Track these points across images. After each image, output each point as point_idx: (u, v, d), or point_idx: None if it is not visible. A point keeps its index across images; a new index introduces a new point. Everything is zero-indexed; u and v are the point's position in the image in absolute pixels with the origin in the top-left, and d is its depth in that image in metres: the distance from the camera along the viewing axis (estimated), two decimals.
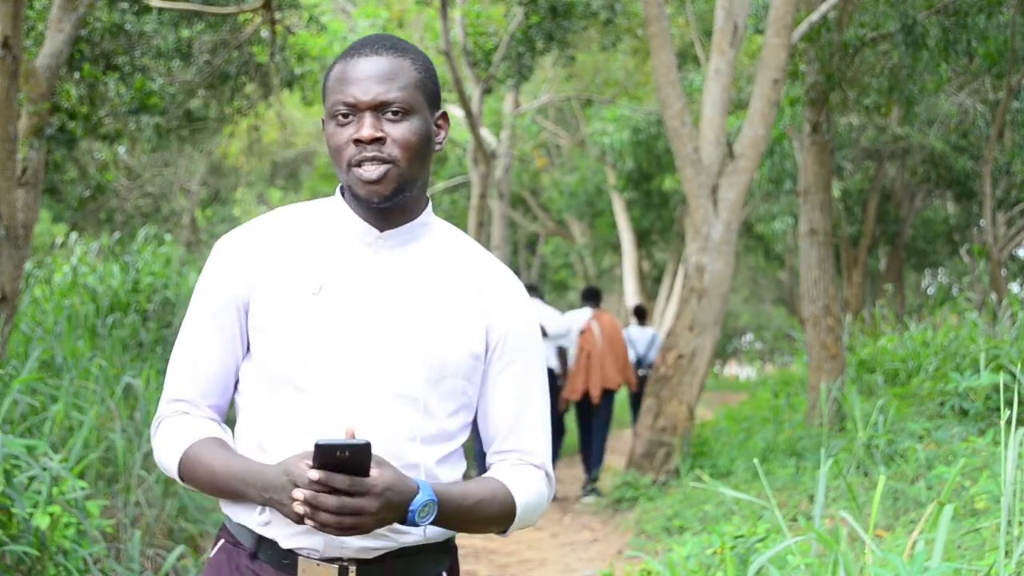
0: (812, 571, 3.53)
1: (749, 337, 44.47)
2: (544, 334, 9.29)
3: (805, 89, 9.46)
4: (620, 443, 13.53)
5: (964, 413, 6.89)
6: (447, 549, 1.89)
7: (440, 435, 1.83)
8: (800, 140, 10.13)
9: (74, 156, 10.71)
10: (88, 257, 10.12)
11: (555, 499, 9.69)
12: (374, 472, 1.66)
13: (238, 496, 1.77)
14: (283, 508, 1.69)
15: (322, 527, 1.65)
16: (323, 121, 1.87)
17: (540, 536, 7.85)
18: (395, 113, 1.78)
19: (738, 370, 45.38)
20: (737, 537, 4.12)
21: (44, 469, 4.21)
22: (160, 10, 9.36)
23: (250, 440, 1.83)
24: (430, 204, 1.90)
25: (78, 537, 4.29)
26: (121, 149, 14.07)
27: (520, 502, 1.86)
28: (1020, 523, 2.96)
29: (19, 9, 5.64)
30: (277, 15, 10.15)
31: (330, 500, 1.63)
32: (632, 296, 23.09)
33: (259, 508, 1.79)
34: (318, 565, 1.77)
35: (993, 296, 10.36)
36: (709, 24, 14.42)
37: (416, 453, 1.79)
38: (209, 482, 1.80)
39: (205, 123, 11.89)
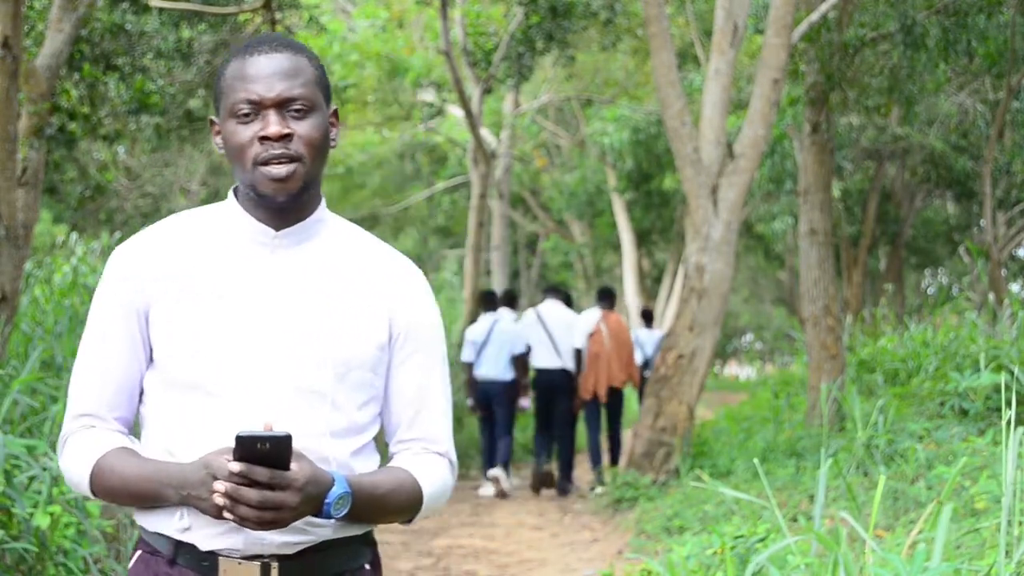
0: (812, 571, 3.53)
1: (749, 337, 44.46)
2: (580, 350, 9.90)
3: (805, 89, 9.46)
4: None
5: (964, 413, 6.89)
6: (368, 542, 1.90)
7: (351, 428, 1.84)
8: (800, 140, 10.13)
9: (74, 156, 10.71)
10: (88, 257, 10.12)
11: (555, 499, 9.72)
12: (294, 466, 1.66)
13: (154, 499, 1.76)
14: (202, 504, 1.68)
15: (241, 521, 1.65)
16: (212, 121, 1.86)
17: (540, 536, 7.86)
18: (298, 110, 1.79)
19: (738, 370, 45.38)
20: (737, 537, 4.12)
21: (44, 469, 4.21)
22: (160, 10, 9.36)
23: (159, 447, 1.81)
24: (323, 200, 1.90)
25: (78, 537, 4.29)
26: (121, 149, 14.07)
27: (426, 491, 1.87)
28: (1020, 523, 2.97)
29: (19, 9, 5.64)
30: (277, 15, 10.15)
31: (251, 493, 1.63)
32: (632, 296, 23.09)
33: (178, 513, 1.77)
34: (239, 563, 1.77)
35: (992, 296, 10.36)
36: (709, 24, 14.41)
37: (328, 447, 1.80)
38: (123, 489, 1.79)
39: (205, 123, 11.89)
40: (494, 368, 9.85)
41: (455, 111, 17.77)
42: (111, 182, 12.55)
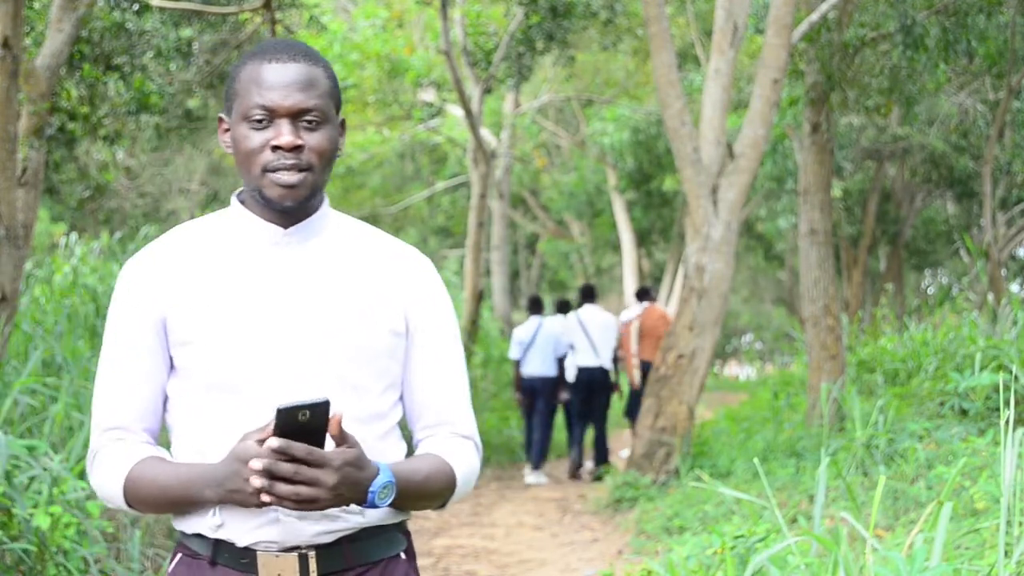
0: (812, 571, 3.53)
1: (749, 337, 44.45)
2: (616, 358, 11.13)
3: (805, 89, 9.46)
4: (620, 443, 13.54)
5: (964, 413, 6.89)
6: (403, 530, 1.93)
7: (376, 415, 1.87)
8: (800, 140, 10.13)
9: (74, 156, 10.71)
10: (89, 257, 10.12)
11: (555, 499, 9.73)
12: (338, 448, 1.68)
13: (194, 503, 1.78)
14: (240, 496, 1.69)
15: (279, 500, 1.65)
16: (220, 119, 1.89)
17: (540, 536, 7.86)
18: (311, 121, 1.82)
19: (738, 370, 45.37)
20: (737, 537, 4.12)
21: (44, 469, 4.22)
22: (161, 9, 9.36)
23: (191, 451, 1.84)
24: (326, 198, 1.94)
25: (78, 537, 4.29)
26: (120, 149, 14.07)
27: (458, 474, 1.90)
28: (1020, 523, 2.97)
29: (19, 9, 5.64)
30: (277, 15, 10.14)
31: (287, 467, 1.64)
32: (632, 296, 23.07)
33: (211, 511, 1.79)
34: (277, 556, 1.79)
35: (992, 296, 10.35)
36: (709, 24, 14.42)
37: (356, 434, 1.82)
38: (160, 497, 1.80)
39: (204, 123, 11.89)
40: (539, 366, 10.94)
41: (455, 111, 17.76)
42: (111, 182, 12.54)
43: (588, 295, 11.24)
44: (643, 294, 11.91)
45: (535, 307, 11.35)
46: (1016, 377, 6.44)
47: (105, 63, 8.55)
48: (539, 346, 10.92)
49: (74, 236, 11.12)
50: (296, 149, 1.79)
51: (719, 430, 10.82)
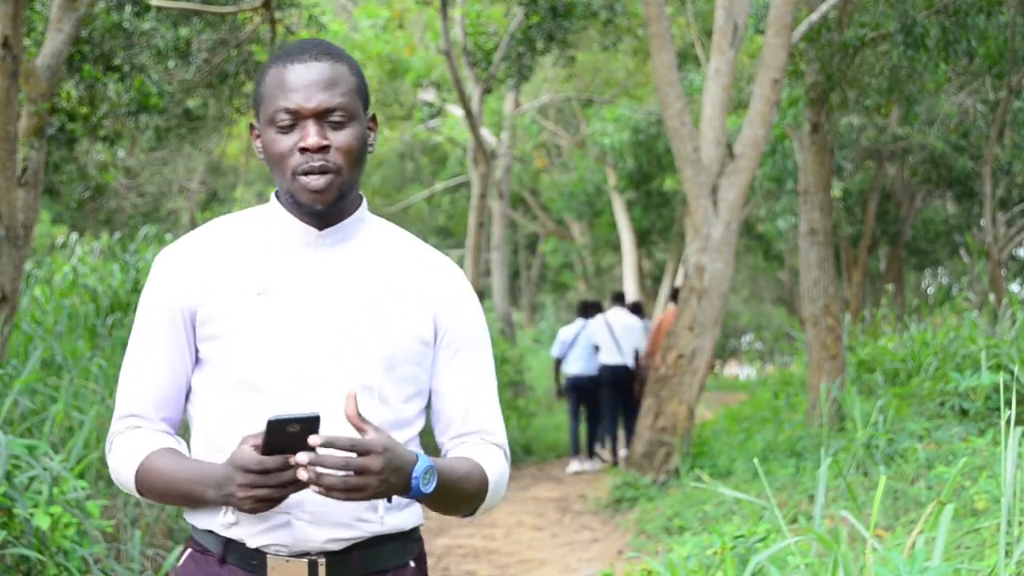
0: (812, 571, 3.53)
1: (749, 337, 44.43)
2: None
3: (805, 89, 9.46)
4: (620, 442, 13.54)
5: (964, 413, 6.89)
6: (414, 538, 1.92)
7: (398, 422, 1.86)
8: (800, 140, 10.13)
9: (74, 156, 10.70)
10: (89, 257, 10.12)
11: (555, 499, 9.73)
12: (371, 434, 1.67)
13: (197, 500, 1.78)
14: (234, 501, 1.68)
15: (328, 490, 1.64)
16: (252, 126, 1.88)
17: (540, 536, 7.86)
18: (337, 121, 1.81)
19: (738, 370, 45.33)
20: (737, 537, 4.12)
21: (45, 469, 4.22)
22: (159, 8, 9.35)
23: (208, 445, 1.84)
24: (364, 201, 1.93)
25: (78, 537, 4.29)
26: (120, 151, 14.06)
27: (491, 479, 1.89)
28: (1020, 523, 2.97)
29: (19, 9, 5.64)
30: (277, 14, 10.14)
31: (336, 459, 1.63)
32: (632, 296, 23.07)
33: (223, 510, 1.80)
34: (287, 561, 1.79)
35: (992, 296, 10.35)
36: (709, 24, 14.41)
37: None
38: (166, 490, 1.81)
39: (204, 122, 11.88)
40: (581, 365, 11.61)
41: (455, 111, 17.76)
42: (111, 182, 12.52)
43: (617, 300, 11.98)
44: (673, 296, 12.24)
45: (584, 310, 12.03)
46: (1016, 377, 6.44)
47: (105, 63, 8.54)
48: (580, 345, 11.63)
49: (74, 236, 11.11)
50: (323, 149, 1.79)
51: (719, 430, 10.82)
